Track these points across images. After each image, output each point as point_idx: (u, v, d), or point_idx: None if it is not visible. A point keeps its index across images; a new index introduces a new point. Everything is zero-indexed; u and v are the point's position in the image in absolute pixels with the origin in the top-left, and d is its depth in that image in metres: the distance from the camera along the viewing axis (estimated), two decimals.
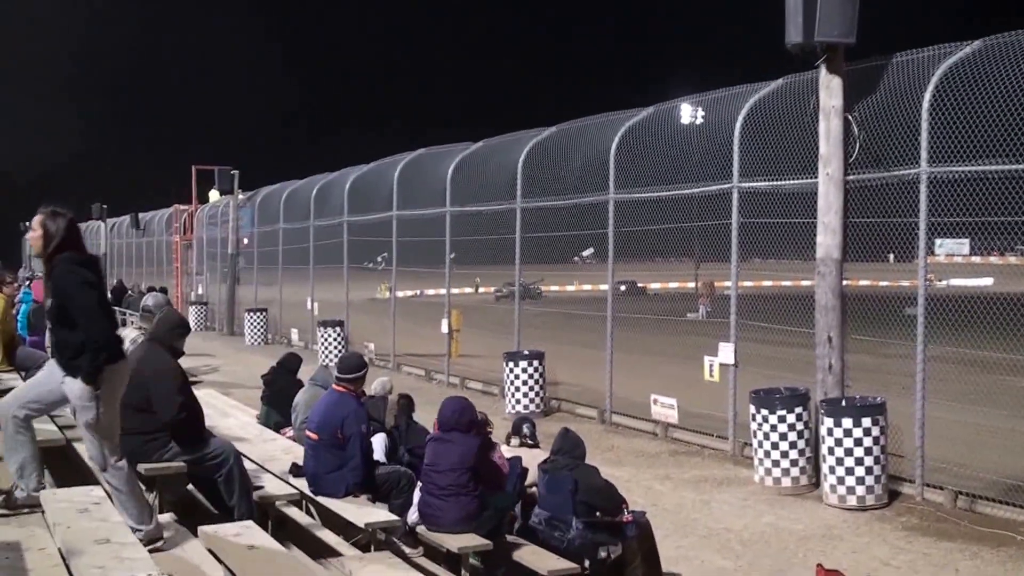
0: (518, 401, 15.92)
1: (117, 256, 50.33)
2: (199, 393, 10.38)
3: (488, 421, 9.90)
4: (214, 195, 34.77)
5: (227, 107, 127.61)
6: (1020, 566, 8.74)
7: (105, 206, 47.06)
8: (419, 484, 8.14)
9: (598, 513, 8.00)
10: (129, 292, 30.11)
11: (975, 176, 10.07)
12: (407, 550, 8.24)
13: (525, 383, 16.18)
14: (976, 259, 14.07)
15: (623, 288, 21.61)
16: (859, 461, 10.46)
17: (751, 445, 11.89)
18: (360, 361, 9.22)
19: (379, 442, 9.31)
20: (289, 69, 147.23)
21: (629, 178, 14.93)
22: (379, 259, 24.75)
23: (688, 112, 14.52)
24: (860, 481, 10.49)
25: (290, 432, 11.05)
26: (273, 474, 9.28)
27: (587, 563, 7.71)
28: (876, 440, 10.51)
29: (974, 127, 9.97)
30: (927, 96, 10.45)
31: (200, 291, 36.12)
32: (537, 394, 16.22)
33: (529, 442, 9.42)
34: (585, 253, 21.70)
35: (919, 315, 10.70)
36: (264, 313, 29.29)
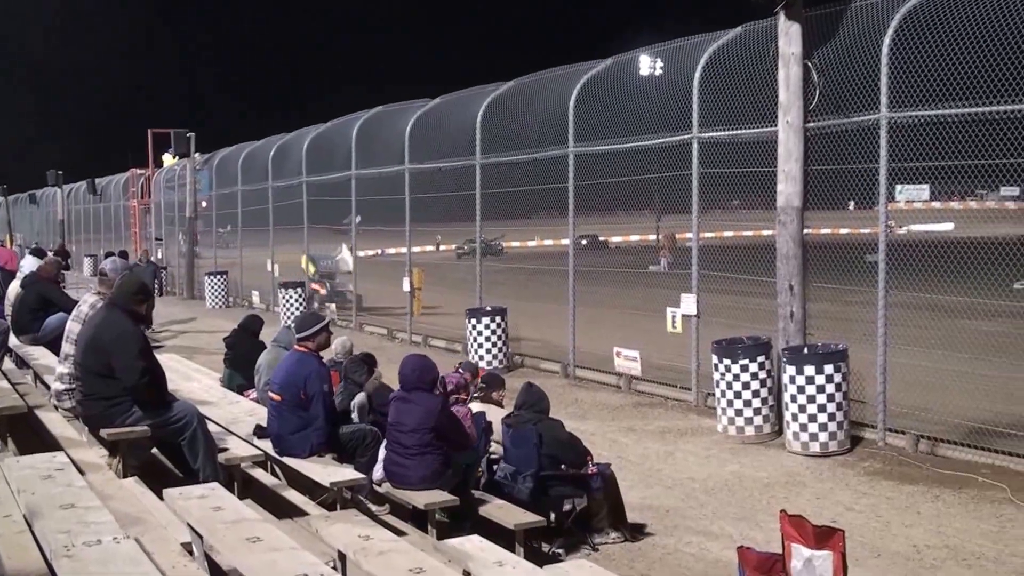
0: (481, 358, 15.89)
1: (75, 222, 49.75)
2: (161, 358, 10.33)
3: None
4: (168, 158, 34.34)
5: (184, 68, 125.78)
6: (981, 507, 8.85)
7: (60, 172, 46.40)
8: (384, 442, 8.12)
9: (563, 466, 8.03)
10: (138, 262, 29.60)
11: (935, 121, 10.08)
12: (373, 508, 8.26)
13: (488, 339, 16.16)
14: (936, 204, 14.14)
15: (584, 242, 21.62)
16: (821, 408, 10.53)
17: (714, 395, 11.95)
18: (316, 318, 9.21)
19: (359, 403, 9.29)
20: (243, 26, 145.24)
21: (589, 131, 14.85)
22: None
23: (647, 63, 14.44)
24: (823, 428, 10.56)
25: (253, 394, 11.02)
26: (238, 436, 9.27)
27: (553, 516, 7.74)
28: (838, 387, 10.58)
29: (934, 71, 9.97)
30: (886, 41, 10.41)
31: (158, 255, 35.72)
32: (500, 350, 16.20)
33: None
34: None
35: (880, 262, 10.75)
36: (224, 276, 29.02)
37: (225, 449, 8.80)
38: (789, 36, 11.31)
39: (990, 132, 9.69)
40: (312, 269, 24.67)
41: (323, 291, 24.23)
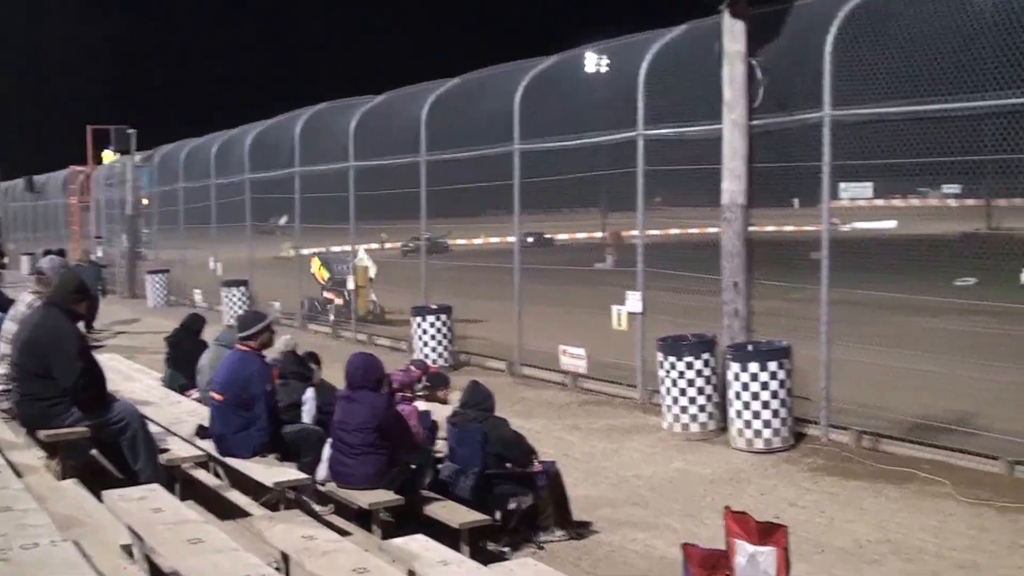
0: (427, 356, 15.82)
1: (12, 220, 48.88)
2: (101, 357, 10.18)
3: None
4: (108, 155, 33.83)
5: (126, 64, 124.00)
6: (922, 502, 8.96)
7: None
8: (329, 441, 8.04)
9: (508, 464, 8.01)
10: (80, 262, 28.78)
11: (878, 119, 10.19)
12: (317, 508, 8.17)
13: (433, 337, 16.11)
14: (880, 202, 14.36)
15: (530, 240, 21.64)
16: (765, 405, 10.60)
17: (659, 393, 11.98)
18: (257, 316, 9.13)
19: (311, 398, 9.20)
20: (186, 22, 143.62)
21: (536, 128, 14.83)
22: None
23: (593, 60, 14.45)
24: (767, 424, 10.63)
25: (196, 394, 10.90)
26: (179, 437, 9.18)
27: (498, 514, 7.72)
28: (782, 383, 10.65)
29: (876, 70, 10.07)
30: (829, 39, 10.49)
31: (99, 254, 35.17)
32: (446, 348, 16.15)
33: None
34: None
35: (823, 259, 10.84)
36: (166, 274, 28.64)
37: (166, 450, 8.70)
38: (734, 34, 11.37)
39: (932, 130, 9.81)
40: (326, 275, 22.22)
41: (339, 300, 21.46)
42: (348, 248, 20.95)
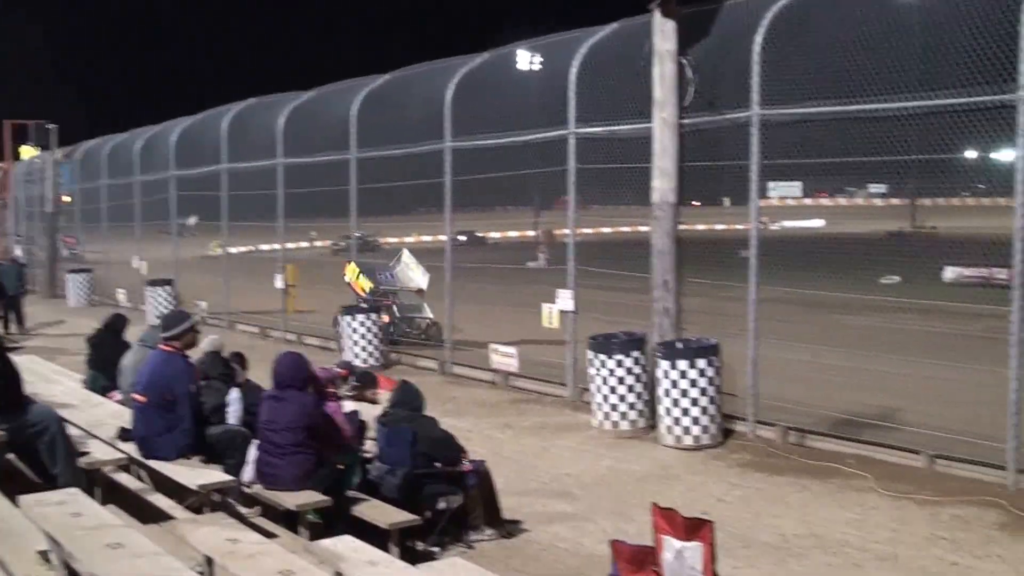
0: (357, 355, 15.71)
1: None
2: (20, 359, 9.92)
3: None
4: (28, 150, 33.10)
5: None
6: (846, 496, 9.08)
7: None
8: (255, 443, 7.92)
9: (438, 464, 7.95)
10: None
11: (806, 119, 10.30)
12: (243, 510, 8.03)
13: (364, 336, 15.99)
14: (808, 201, 14.57)
15: (463, 238, 21.58)
16: (694, 402, 10.67)
17: (590, 390, 12.00)
18: (181, 317, 8.94)
19: (236, 399, 9.02)
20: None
21: (468, 126, 14.76)
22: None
23: (525, 58, 14.44)
24: (695, 421, 10.70)
25: (118, 396, 10.65)
26: (101, 439, 8.98)
27: (428, 514, 7.66)
28: (710, 381, 10.72)
29: (805, 70, 10.18)
30: (758, 39, 10.59)
31: (17, 252, 34.41)
32: (376, 347, 16.03)
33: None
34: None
35: (751, 258, 10.93)
36: (88, 273, 28.08)
37: (86, 453, 8.51)
38: (664, 33, 11.42)
39: (859, 130, 9.94)
40: (367, 286, 18.07)
41: (384, 318, 17.14)
42: (275, 246, 20.62)
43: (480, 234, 28.88)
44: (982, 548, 7.75)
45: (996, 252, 9.58)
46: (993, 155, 10.42)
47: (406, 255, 18.41)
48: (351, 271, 18.20)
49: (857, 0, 10.22)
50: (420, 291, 17.84)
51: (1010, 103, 8.79)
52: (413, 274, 17.95)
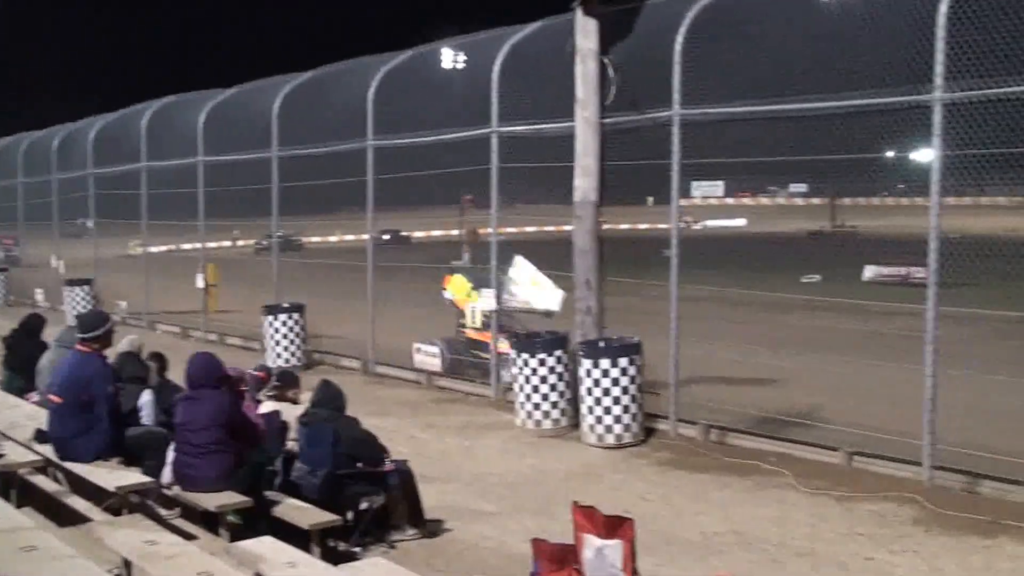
0: (279, 355, 15.55)
1: None
2: None
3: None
4: None
5: None
6: (766, 493, 9.20)
7: None
8: (173, 444, 7.80)
9: (359, 464, 7.91)
10: None
11: (727, 118, 10.41)
12: (162, 512, 7.92)
13: (286, 336, 15.83)
14: (730, 201, 14.74)
15: (386, 237, 21.49)
16: (616, 401, 10.72)
17: (513, 390, 12.01)
18: (100, 317, 8.79)
19: (148, 402, 8.87)
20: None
21: (391, 124, 14.68)
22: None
23: (449, 56, 14.40)
24: (617, 420, 10.76)
25: (35, 397, 10.46)
26: (16, 441, 8.84)
27: (349, 514, 7.62)
28: (632, 380, 10.79)
29: (726, 69, 10.29)
30: (679, 38, 10.67)
31: None
32: (299, 347, 15.89)
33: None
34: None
35: (673, 257, 11.02)
36: (4, 273, 27.44)
37: (2, 455, 8.36)
38: (586, 31, 11.47)
39: (780, 130, 10.08)
40: (474, 297, 14.13)
41: (503, 348, 12.94)
42: (196, 245, 20.32)
43: (405, 233, 28.75)
44: (898, 543, 7.90)
45: (913, 251, 9.76)
46: (911, 155, 10.64)
47: (522, 262, 13.60)
48: (458, 286, 14.37)
49: (778, 1, 10.36)
50: (548, 313, 13.32)
51: (927, 104, 8.98)
52: (539, 290, 13.41)
